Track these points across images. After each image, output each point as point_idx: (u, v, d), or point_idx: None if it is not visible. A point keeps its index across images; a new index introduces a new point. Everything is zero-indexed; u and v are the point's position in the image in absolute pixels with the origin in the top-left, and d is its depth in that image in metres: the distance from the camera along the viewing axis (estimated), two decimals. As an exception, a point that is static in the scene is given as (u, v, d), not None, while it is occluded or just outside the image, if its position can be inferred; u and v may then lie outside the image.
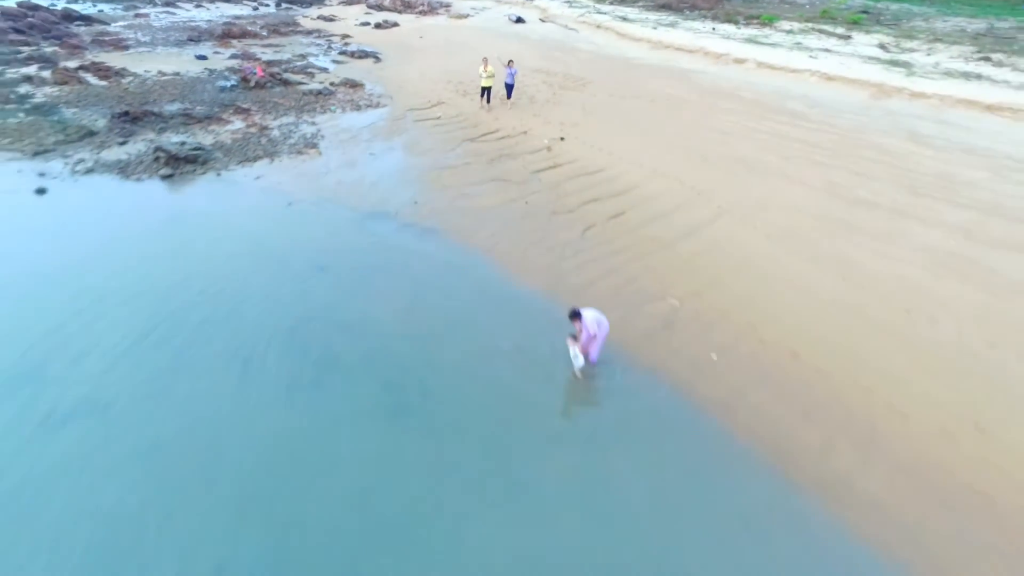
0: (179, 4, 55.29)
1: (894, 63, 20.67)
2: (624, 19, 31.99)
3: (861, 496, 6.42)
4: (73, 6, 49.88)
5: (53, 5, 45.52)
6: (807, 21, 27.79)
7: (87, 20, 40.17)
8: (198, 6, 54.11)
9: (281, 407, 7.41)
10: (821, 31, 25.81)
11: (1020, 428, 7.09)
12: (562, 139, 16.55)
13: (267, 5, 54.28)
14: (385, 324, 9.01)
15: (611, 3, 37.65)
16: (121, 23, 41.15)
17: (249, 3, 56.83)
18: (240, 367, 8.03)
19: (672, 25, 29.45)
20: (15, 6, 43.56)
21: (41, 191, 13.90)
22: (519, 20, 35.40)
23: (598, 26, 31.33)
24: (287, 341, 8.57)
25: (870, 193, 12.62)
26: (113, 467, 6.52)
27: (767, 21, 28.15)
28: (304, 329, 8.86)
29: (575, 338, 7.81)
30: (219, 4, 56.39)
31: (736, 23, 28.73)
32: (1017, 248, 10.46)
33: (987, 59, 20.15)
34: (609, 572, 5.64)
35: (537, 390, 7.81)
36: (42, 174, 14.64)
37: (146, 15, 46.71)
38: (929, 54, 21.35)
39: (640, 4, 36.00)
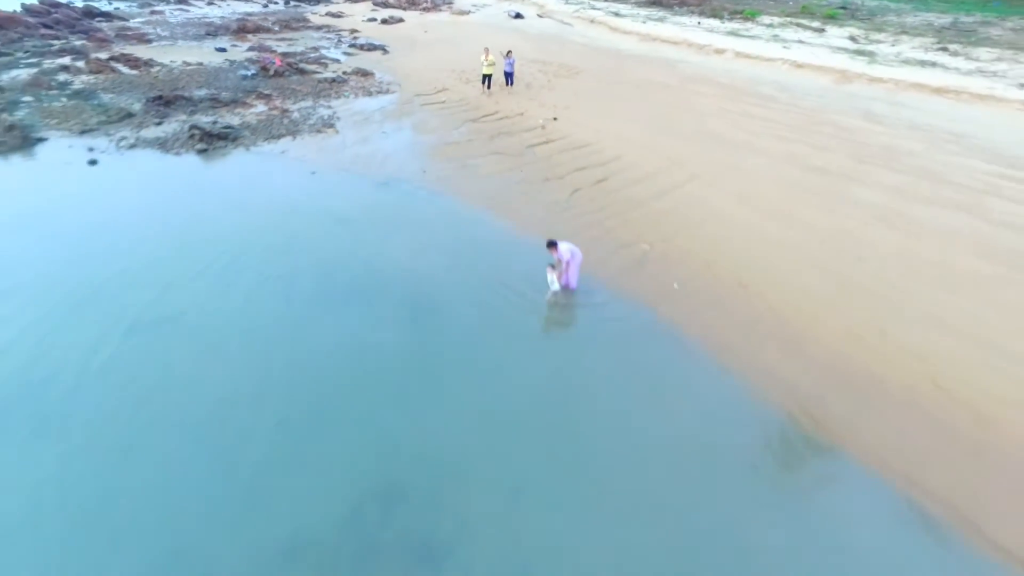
0: (192, 1, 56.66)
1: (860, 53, 22.27)
2: (616, 15, 33.61)
3: (781, 380, 8.04)
4: (93, 3, 51.49)
5: (71, 2, 47.01)
6: (787, 16, 29.36)
7: (107, 16, 41.66)
8: (210, 3, 55.50)
9: (318, 316, 9.05)
10: (799, 25, 27.39)
11: (914, 334, 8.70)
12: (555, 119, 18.16)
13: (276, 3, 55.63)
14: (400, 261, 10.63)
15: (609, 0, 39.23)
16: (139, 19, 42.64)
17: (258, 1, 58.37)
18: (284, 290, 9.67)
19: (661, 20, 31.07)
20: (37, 3, 45.15)
21: (93, 162, 15.53)
22: (518, 16, 36.96)
23: (592, 21, 32.92)
24: (321, 272, 10.21)
25: (823, 162, 14.24)
26: (191, 353, 8.18)
27: (749, 16, 29.72)
28: (333, 264, 10.49)
29: (552, 267, 9.44)
30: (230, 2, 57.75)
31: (721, 18, 30.32)
32: (939, 203, 12.08)
33: (944, 49, 21.74)
34: (574, 418, 7.28)
35: (528, 307, 9.43)
36: (91, 149, 16.27)
37: (161, 12, 48.21)
38: (893, 45, 22.95)
39: (632, 1, 37.57)
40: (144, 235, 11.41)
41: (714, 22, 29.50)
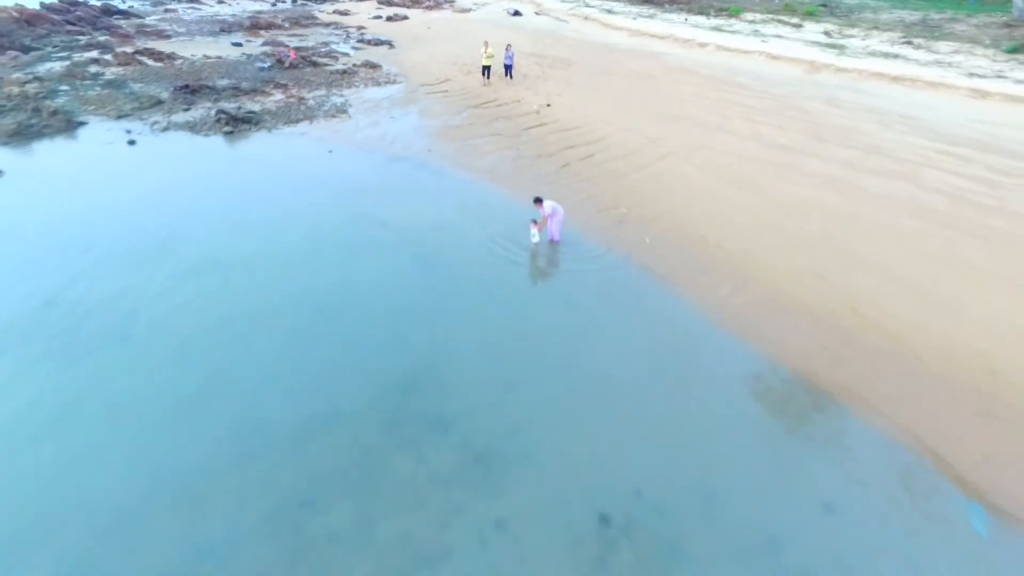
0: (202, 0, 58.14)
1: (831, 46, 23.75)
2: (609, 12, 35.09)
3: (730, 309, 9.58)
4: (110, 1, 52.88)
5: (87, 1, 48.34)
6: (769, 13, 30.82)
7: (124, 14, 43.11)
8: (220, 2, 56.80)
9: (346, 258, 10.61)
10: (779, 21, 28.86)
11: (842, 275, 10.23)
12: (548, 105, 19.68)
13: (284, 1, 57.04)
14: (409, 220, 12.17)
15: (601, -1, 40.71)
16: (154, 17, 44.06)
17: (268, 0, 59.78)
18: (313, 242, 11.23)
19: (651, 17, 32.53)
20: (57, 2, 46.58)
21: (132, 142, 17.08)
22: (516, 13, 38.41)
23: (586, 18, 34.39)
24: (343, 228, 11.76)
25: (786, 140, 15.76)
26: (249, 284, 9.74)
27: (734, 13, 31.17)
28: (352, 223, 12.04)
29: (535, 222, 11.01)
30: (239, 0, 59.27)
31: (707, 14, 31.77)
32: (883, 174, 13.61)
33: (909, 43, 23.20)
34: (557, 332, 8.83)
35: (520, 252, 10.98)
36: (128, 131, 17.81)
37: (174, 10, 49.61)
38: (863, 39, 24.43)
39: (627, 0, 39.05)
40: (190, 199, 12.98)
41: (700, 18, 30.99)
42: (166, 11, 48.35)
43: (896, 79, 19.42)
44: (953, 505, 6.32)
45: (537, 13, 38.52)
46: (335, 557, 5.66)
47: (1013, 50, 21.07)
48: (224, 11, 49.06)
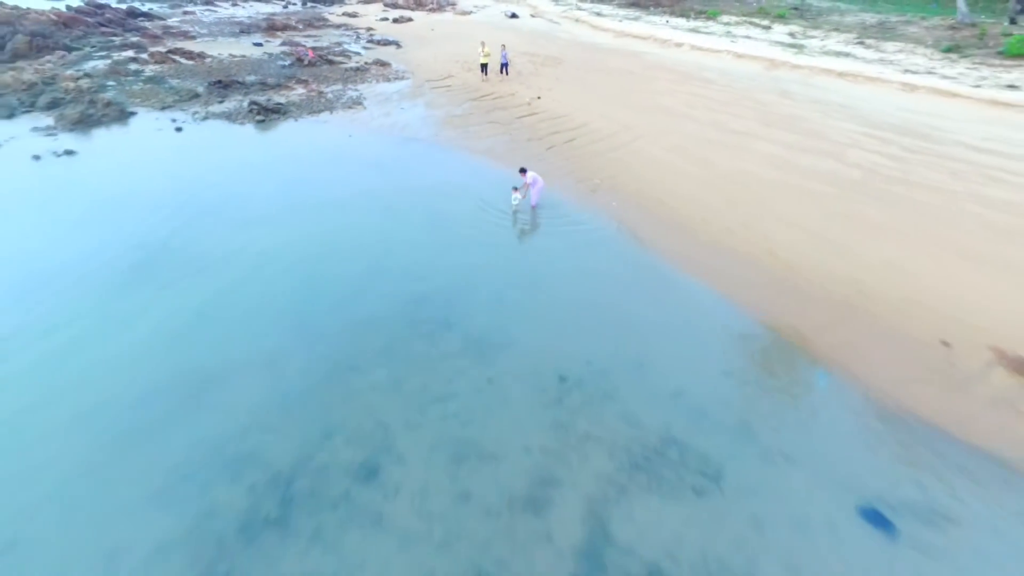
0: (217, 3, 60.18)
1: (792, 46, 26.10)
2: (598, 14, 37.40)
3: (678, 254, 11.98)
4: (128, 3, 55.01)
5: (108, 3, 50.53)
6: (744, 15, 33.12)
7: (147, 16, 45.33)
8: (234, 4, 59.03)
9: (366, 219, 13.04)
10: (751, 23, 31.16)
11: (766, 227, 12.61)
12: (539, 98, 22.05)
13: (295, 3, 59.20)
14: (419, 187, 14.58)
15: (591, 1, 42.95)
16: (175, 18, 46.29)
17: (279, 1, 61.87)
18: (341, 203, 13.65)
19: (636, 19, 34.85)
20: (84, 4, 48.79)
21: (178, 129, 19.48)
22: (513, 16, 40.71)
23: (577, 20, 36.71)
24: (362, 196, 14.18)
25: (739, 126, 18.15)
26: (293, 233, 12.17)
27: (712, 16, 33.46)
28: (370, 191, 14.45)
29: (516, 189, 13.41)
30: (252, 3, 61.25)
31: (687, 17, 34.08)
32: (815, 152, 15.99)
33: (861, 43, 25.52)
34: (536, 265, 11.25)
35: (505, 214, 13.40)
36: (174, 120, 20.22)
37: (192, 12, 51.78)
38: (822, 40, 26.75)
39: (615, 2, 41.31)
40: (238, 172, 15.42)
41: (680, 20, 33.31)
42: (185, 13, 50.52)
43: (841, 75, 21.81)
44: (809, 371, 8.76)
45: (533, 15, 40.85)
46: (375, 398, 8.08)
47: (948, 50, 23.42)
48: (239, 13, 51.17)
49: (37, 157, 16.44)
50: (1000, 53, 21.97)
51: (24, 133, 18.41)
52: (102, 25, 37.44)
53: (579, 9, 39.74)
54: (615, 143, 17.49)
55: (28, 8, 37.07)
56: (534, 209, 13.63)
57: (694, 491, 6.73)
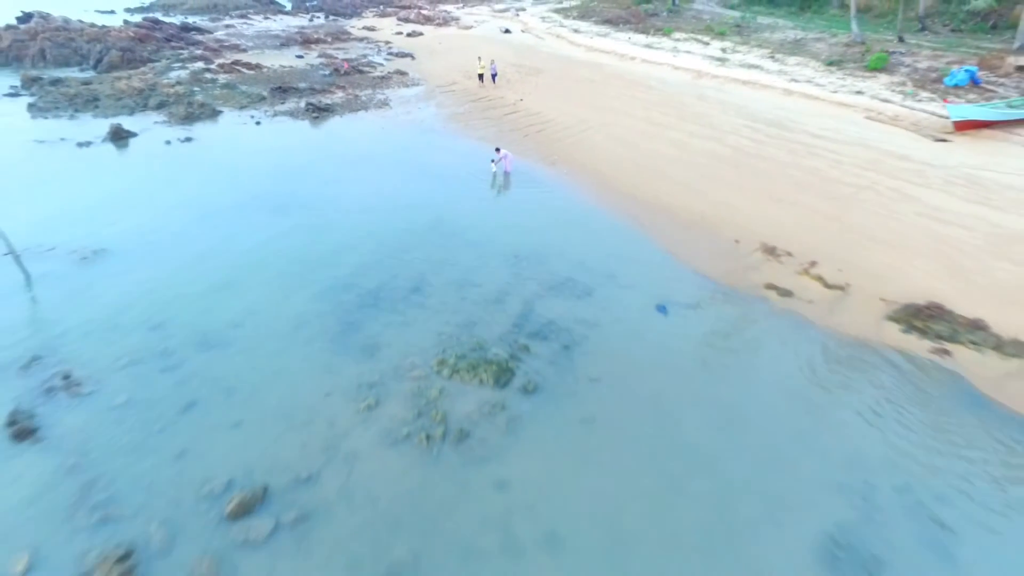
0: (251, 16, 65.95)
1: (719, 59, 32.14)
2: (576, 31, 43.36)
3: (606, 200, 18.18)
4: (169, 18, 60.72)
5: (152, 17, 56.21)
6: (692, 33, 39.07)
7: (198, 30, 51.20)
8: (266, 18, 64.76)
9: (400, 181, 19.30)
10: (696, 40, 37.12)
11: (665, 187, 18.79)
12: (521, 100, 28.18)
13: (319, 17, 65.03)
14: (433, 161, 20.81)
15: (572, 19, 48.89)
16: (220, 32, 52.04)
17: (305, 14, 67.67)
18: (379, 170, 19.91)
19: (605, 35, 40.85)
20: (141, 20, 54.65)
21: (258, 123, 25.69)
22: (507, 31, 46.68)
23: (558, 36, 42.71)
24: (395, 166, 20.43)
25: (662, 120, 24.29)
26: (345, 188, 18.44)
27: (666, 33, 39.43)
28: (400, 163, 20.69)
29: (494, 162, 19.61)
30: (281, 16, 67.00)
31: (647, 34, 40.06)
32: (706, 138, 22.13)
33: (772, 58, 31.59)
34: (510, 211, 17.49)
35: (488, 178, 19.61)
36: (252, 116, 26.43)
37: (233, 26, 57.47)
38: (745, 55, 32.77)
39: (592, 20, 47.24)
40: (309, 150, 21.68)
41: (640, 37, 39.29)
42: (227, 26, 56.27)
43: (745, 83, 27.92)
44: (678, 269, 15.03)
45: (523, 31, 46.82)
46: (416, 261, 14.30)
47: (830, 63, 29.44)
48: (273, 26, 56.82)
49: (168, 142, 22.71)
50: (865, 67, 28.06)
51: (150, 126, 24.64)
52: (168, 40, 43.45)
53: (561, 26, 45.72)
54: (571, 132, 23.68)
55: (106, 26, 43.20)
56: (507, 175, 19.83)
57: (577, 297, 12.99)
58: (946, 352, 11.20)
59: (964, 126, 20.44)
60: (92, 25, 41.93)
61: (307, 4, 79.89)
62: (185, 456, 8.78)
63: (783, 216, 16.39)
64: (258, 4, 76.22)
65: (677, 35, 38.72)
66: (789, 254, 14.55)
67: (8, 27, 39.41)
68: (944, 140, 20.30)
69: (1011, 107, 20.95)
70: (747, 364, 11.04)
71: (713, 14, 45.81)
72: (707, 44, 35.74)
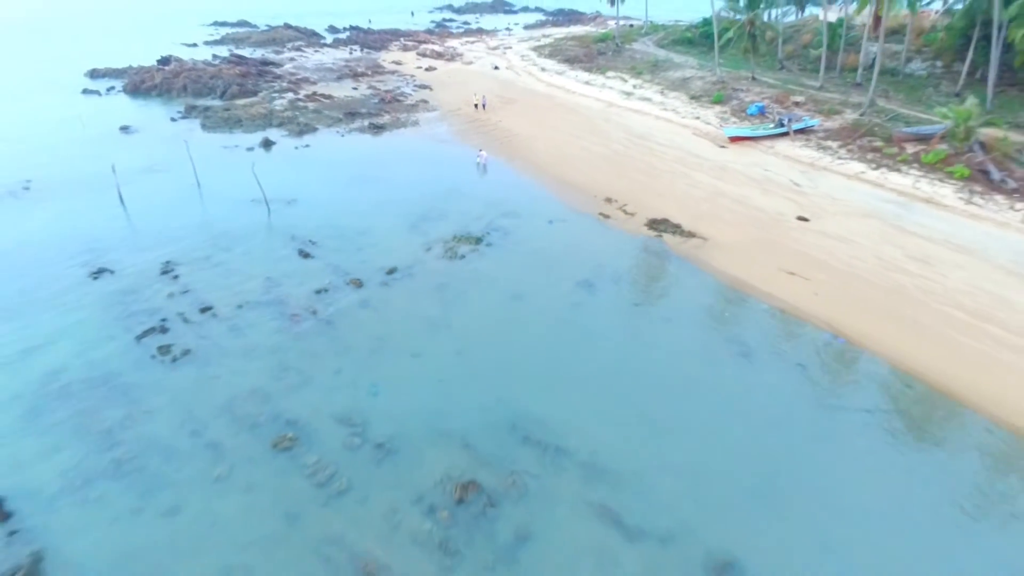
0: (303, 49, 78.76)
1: (627, 93, 45.73)
2: (543, 69, 56.84)
3: (543, 179, 32.07)
4: (241, 50, 73.24)
5: (244, 56, 68.93)
6: (620, 72, 52.43)
7: (273, 64, 64.38)
8: (316, 51, 77.65)
9: (424, 168, 33.26)
10: (620, 77, 50.56)
11: (568, 168, 32.61)
12: (500, 122, 41.91)
13: (356, 50, 77.94)
14: (444, 156, 34.70)
15: (544, 57, 62.30)
16: (289, 64, 65.04)
17: (345, 47, 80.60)
18: (415, 163, 33.86)
19: (561, 73, 54.35)
20: (228, 55, 67.58)
21: (342, 135, 39.57)
22: (496, 68, 60.12)
23: (529, 73, 56.24)
24: (424, 159, 34.37)
25: (578, 134, 38.03)
26: (394, 173, 32.43)
27: (602, 72, 52.84)
28: (425, 158, 34.63)
29: (478, 158, 33.52)
30: (326, 49, 79.86)
31: (590, 72, 53.52)
32: (602, 143, 35.88)
33: (661, 93, 45.13)
34: (482, 183, 31.44)
35: (473, 167, 33.49)
36: (337, 132, 40.26)
37: (293, 59, 70.24)
38: (646, 90, 46.33)
39: (557, 58, 60.62)
40: (377, 151, 35.66)
41: (584, 74, 52.81)
42: (291, 59, 69.11)
43: (635, 111, 41.62)
44: (563, 207, 29.01)
45: (507, 68, 60.28)
46: (437, 204, 28.26)
47: (693, 97, 43.05)
48: (324, 60, 69.55)
49: (296, 148, 36.61)
50: (711, 100, 41.77)
51: (279, 138, 38.50)
52: (259, 74, 56.86)
53: (534, 64, 59.17)
54: (524, 141, 37.48)
55: (218, 64, 56.69)
56: (486, 165, 33.63)
57: (513, 216, 26.93)
58: (660, 236, 25.21)
59: (734, 140, 34.34)
60: (210, 64, 55.46)
61: (340, 36, 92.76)
62: (366, 251, 22.78)
63: (621, 184, 30.31)
64: (304, 36, 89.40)
65: (609, 73, 52.27)
66: (615, 200, 28.52)
67: (157, 68, 53.03)
68: (724, 147, 34.23)
69: (764, 129, 34.82)
70: (581, 240, 24.95)
71: (644, 54, 59.12)
72: (626, 81, 49.35)
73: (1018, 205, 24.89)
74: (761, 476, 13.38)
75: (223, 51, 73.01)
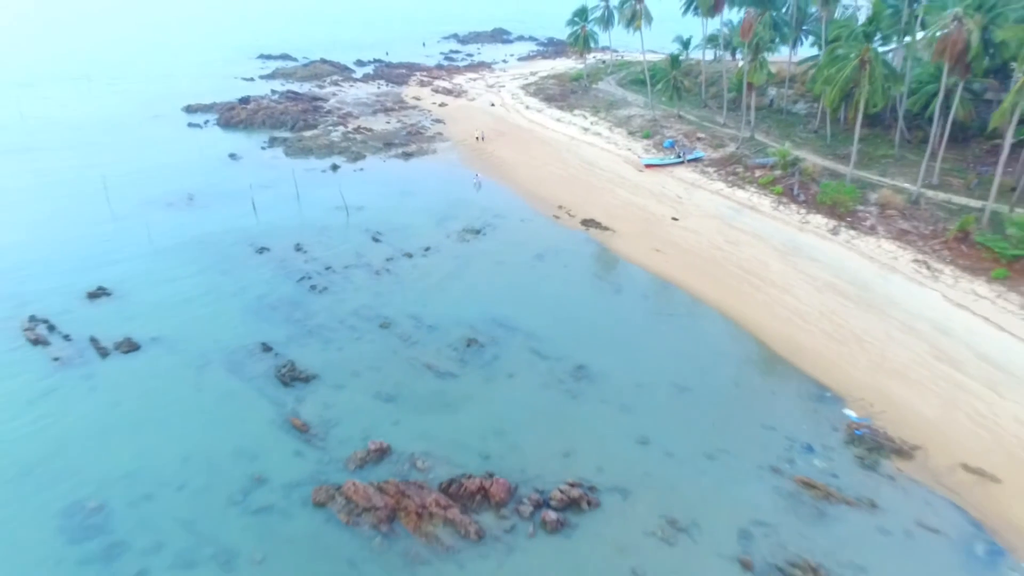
0: (340, 83, 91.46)
1: (585, 129, 59.08)
2: (527, 107, 70.22)
3: (519, 190, 45.63)
4: (290, 84, 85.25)
5: (296, 92, 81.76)
6: (583, 110, 65.67)
7: (320, 99, 77.37)
8: (352, 85, 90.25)
9: (440, 182, 46.89)
10: (583, 115, 63.84)
11: (536, 184, 46.14)
12: (493, 151, 55.33)
13: (382, 84, 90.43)
14: (452, 176, 48.26)
15: (529, 95, 75.66)
16: (333, 99, 78.06)
17: (374, 81, 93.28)
18: (434, 181, 47.47)
19: (541, 111, 67.75)
20: (283, 90, 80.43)
21: (384, 161, 53.11)
22: (493, 104, 73.44)
23: (517, 111, 69.69)
24: (437, 178, 48.00)
25: (548, 160, 51.33)
26: (417, 184, 46.04)
27: (571, 110, 66.15)
28: (439, 177, 48.23)
29: (475, 178, 47.04)
30: (358, 83, 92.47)
31: (563, 110, 66.84)
32: (562, 167, 49.27)
33: (610, 129, 58.41)
34: (476, 197, 45.05)
35: (469, 182, 47.02)
36: (380, 158, 53.84)
37: (334, 93, 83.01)
38: (598, 126, 59.68)
39: (540, 97, 73.90)
40: (411, 170, 49.31)
41: (557, 112, 66.20)
42: (333, 94, 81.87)
43: (588, 144, 55.02)
44: (531, 212, 42.66)
45: (500, 105, 73.63)
46: (443, 188, 41.88)
47: (630, 133, 56.42)
48: (359, 94, 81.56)
49: (355, 170, 50.22)
50: (643, 135, 55.21)
51: (341, 163, 52.04)
52: (314, 110, 69.99)
53: (521, 102, 72.58)
54: (511, 165, 50.93)
55: (283, 103, 70.07)
56: (481, 184, 47.04)
57: (495, 216, 40.54)
58: (587, 229, 38.78)
59: (649, 167, 47.90)
60: (277, 102, 68.86)
61: (367, 71, 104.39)
62: (411, 238, 36.44)
63: (570, 196, 43.83)
64: (338, 70, 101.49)
65: (576, 111, 65.66)
66: (564, 207, 42.09)
67: (240, 105, 66.46)
68: (641, 172, 47.83)
69: (669, 159, 48.38)
70: (539, 232, 38.54)
71: (607, 93, 72.27)
72: (586, 119, 62.76)
73: (801, 211, 38.51)
74: (609, 338, 27.19)
75: (277, 85, 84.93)
